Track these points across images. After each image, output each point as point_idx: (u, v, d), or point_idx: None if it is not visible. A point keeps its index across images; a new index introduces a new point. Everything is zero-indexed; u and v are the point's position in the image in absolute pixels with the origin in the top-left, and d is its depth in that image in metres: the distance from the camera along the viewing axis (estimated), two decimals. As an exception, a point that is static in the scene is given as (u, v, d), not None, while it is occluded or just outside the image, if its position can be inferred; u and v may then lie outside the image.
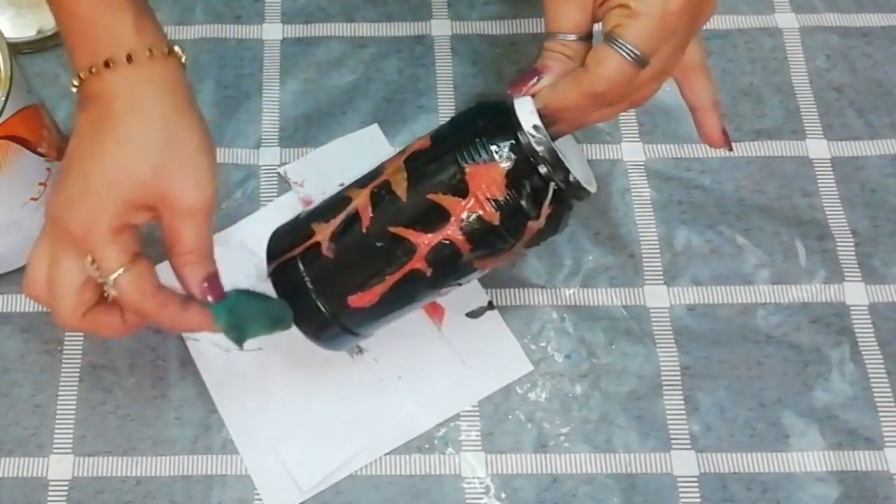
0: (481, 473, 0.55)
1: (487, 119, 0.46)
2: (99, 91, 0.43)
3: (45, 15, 0.64)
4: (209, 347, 0.56)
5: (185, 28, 0.66)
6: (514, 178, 0.44)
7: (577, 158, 0.48)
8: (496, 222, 0.45)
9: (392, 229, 0.46)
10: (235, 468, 0.54)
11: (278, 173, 0.62)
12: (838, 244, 0.60)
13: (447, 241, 0.46)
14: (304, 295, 0.48)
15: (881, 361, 0.57)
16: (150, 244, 0.59)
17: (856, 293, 0.59)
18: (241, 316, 0.46)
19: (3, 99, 0.47)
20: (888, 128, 0.64)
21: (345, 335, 0.50)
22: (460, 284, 0.50)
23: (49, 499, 0.53)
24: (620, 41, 0.42)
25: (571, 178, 0.45)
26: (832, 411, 0.56)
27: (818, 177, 0.63)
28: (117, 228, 0.42)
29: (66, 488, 0.53)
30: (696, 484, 0.54)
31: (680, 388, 0.57)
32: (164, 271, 0.59)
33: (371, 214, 0.47)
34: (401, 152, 0.49)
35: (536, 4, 0.67)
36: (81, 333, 0.57)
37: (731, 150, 0.50)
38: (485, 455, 0.55)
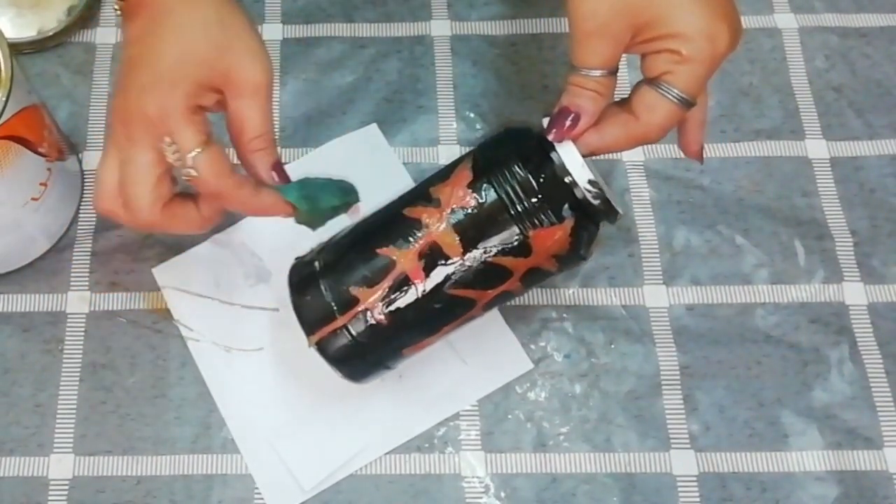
0: (481, 473, 0.55)
1: (540, 178, 0.45)
2: None
3: (46, 15, 0.64)
4: (209, 347, 0.56)
5: (185, 28, 0.66)
6: (575, 233, 0.46)
7: (600, 177, 0.48)
8: (554, 270, 0.48)
9: (451, 292, 0.47)
10: (236, 467, 0.54)
11: (278, 173, 0.62)
12: (837, 244, 0.61)
13: (506, 291, 0.48)
14: (361, 360, 0.49)
15: (880, 361, 0.57)
16: (150, 245, 0.59)
17: (855, 293, 0.59)
18: (311, 191, 0.46)
19: (4, 99, 0.47)
20: (887, 128, 0.64)
21: (382, 371, 0.51)
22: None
23: (50, 498, 0.53)
24: (672, 88, 0.42)
25: (619, 216, 0.46)
26: (831, 411, 0.56)
27: (817, 177, 0.63)
28: (191, 108, 0.43)
29: (66, 488, 0.53)
30: (695, 483, 0.54)
31: (679, 387, 0.57)
32: (172, 266, 0.59)
33: (424, 277, 0.46)
34: (426, 197, 0.47)
35: (536, 4, 0.68)
36: (82, 335, 0.57)
37: (701, 163, 0.50)
38: (484, 454, 0.55)
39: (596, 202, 0.45)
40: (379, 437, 0.55)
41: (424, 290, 0.47)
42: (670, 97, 0.42)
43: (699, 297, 0.59)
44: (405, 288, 0.47)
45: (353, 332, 0.47)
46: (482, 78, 0.65)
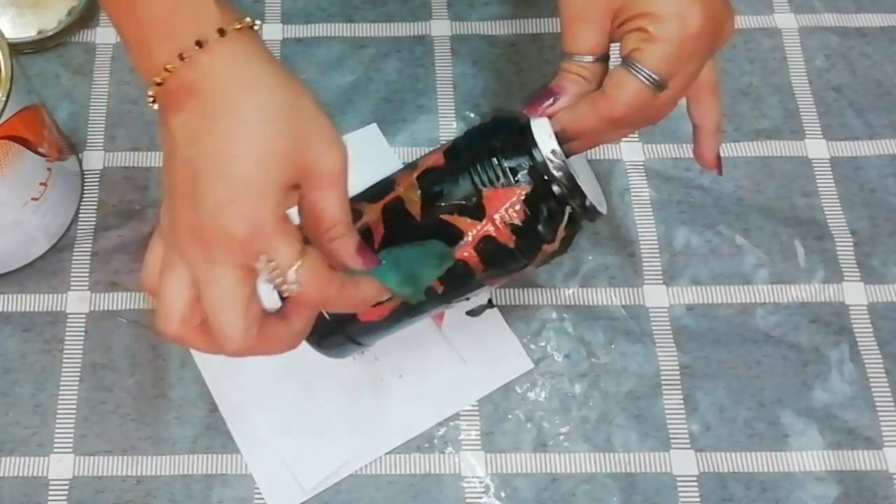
0: (481, 473, 0.55)
1: (504, 139, 0.45)
2: (196, 80, 0.37)
3: (46, 15, 0.64)
4: (209, 347, 0.56)
5: (185, 28, 0.66)
6: (531, 203, 0.44)
7: (588, 178, 0.48)
8: (511, 245, 0.45)
9: None
10: (236, 467, 0.54)
11: (278, 173, 0.62)
12: (837, 244, 0.61)
13: (461, 261, 0.45)
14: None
15: (880, 361, 0.57)
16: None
17: (855, 293, 0.59)
18: (408, 268, 0.43)
19: (4, 99, 0.47)
20: (887, 128, 0.64)
21: (348, 344, 0.50)
22: (468, 299, 0.50)
23: (49, 498, 0.53)
24: (639, 65, 0.41)
25: (588, 203, 0.45)
26: (831, 411, 0.56)
27: (817, 177, 0.63)
28: (282, 217, 0.37)
29: (66, 488, 0.53)
30: (695, 483, 0.54)
31: (679, 387, 0.57)
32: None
33: (383, 232, 0.46)
34: (411, 166, 0.48)
35: (536, 4, 0.68)
36: (82, 335, 0.57)
37: (720, 174, 0.50)
38: (484, 454, 0.55)
39: (557, 173, 0.43)
40: (379, 437, 0.55)
41: (379, 244, 0.46)
42: (636, 73, 0.42)
43: (699, 297, 0.59)
44: (365, 241, 0.45)
45: None
46: (482, 78, 0.65)
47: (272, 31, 0.66)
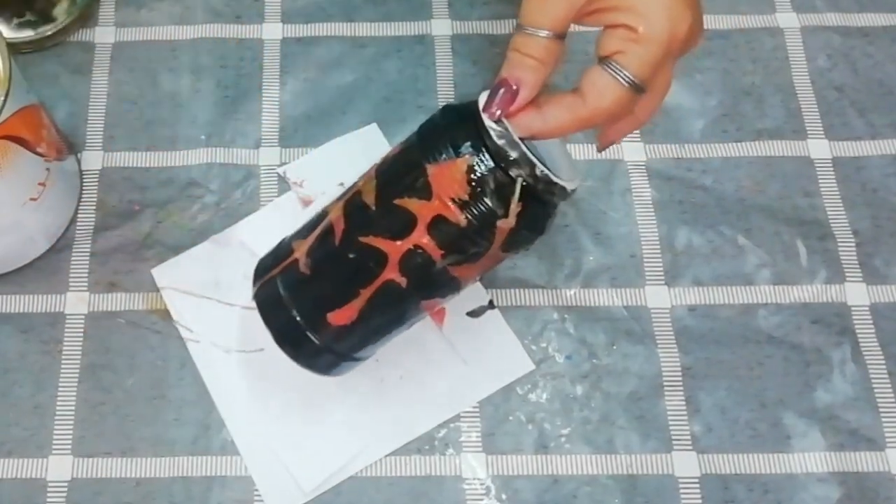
0: (482, 474, 0.54)
1: (450, 120, 0.44)
2: None
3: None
4: (209, 348, 0.56)
5: (185, 28, 0.66)
6: (476, 175, 0.42)
7: (558, 155, 0.46)
8: (463, 224, 0.43)
9: (362, 239, 0.45)
10: (235, 469, 0.54)
11: (278, 173, 0.61)
12: (839, 244, 0.60)
13: (418, 248, 0.44)
14: (283, 312, 0.48)
15: (882, 362, 0.57)
16: (150, 245, 0.59)
17: (857, 293, 0.59)
18: None
19: (3, 99, 0.47)
20: (889, 127, 0.64)
21: (334, 359, 0.49)
22: (444, 298, 0.48)
23: (48, 500, 0.53)
24: (621, 70, 0.39)
25: (539, 172, 0.42)
26: (833, 412, 0.56)
27: (819, 177, 0.62)
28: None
29: (65, 489, 0.53)
30: (697, 485, 0.54)
31: (681, 388, 0.56)
32: (171, 267, 0.59)
33: (343, 226, 0.46)
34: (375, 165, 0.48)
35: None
36: (81, 336, 0.57)
37: (599, 151, 0.48)
38: (485, 456, 0.55)
39: (499, 141, 0.41)
40: (379, 439, 0.55)
41: (340, 238, 0.45)
42: (621, 79, 0.39)
43: (701, 297, 0.59)
44: (328, 238, 0.46)
45: (280, 284, 0.48)
46: (482, 78, 0.65)
47: (272, 31, 0.66)
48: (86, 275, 0.58)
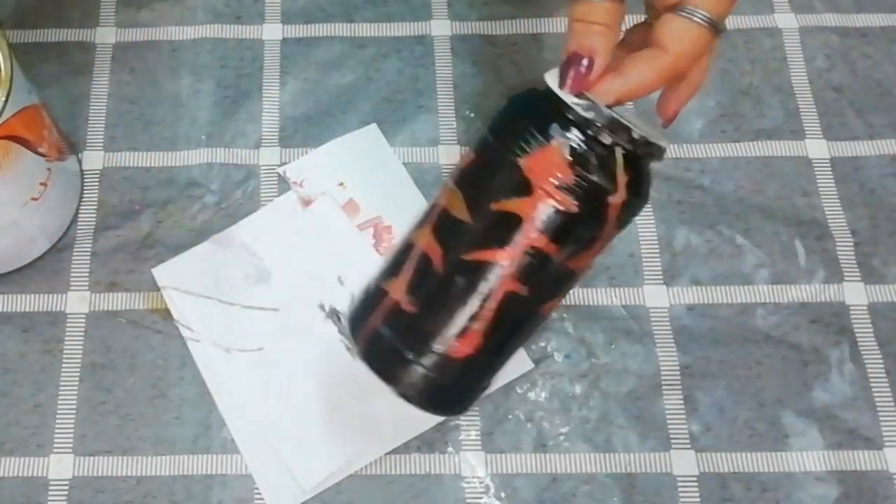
0: (481, 473, 0.55)
1: (525, 107, 0.41)
2: None
3: None
4: (209, 347, 0.56)
5: (185, 28, 0.66)
6: (575, 154, 0.39)
7: (633, 118, 0.44)
8: (574, 210, 0.40)
9: (465, 257, 0.41)
10: (236, 468, 0.54)
11: (278, 173, 0.62)
12: (838, 244, 0.60)
13: (531, 249, 0.41)
14: (401, 362, 0.42)
15: (880, 361, 0.57)
16: (150, 245, 0.59)
17: (855, 293, 0.59)
18: None
19: (4, 99, 0.47)
20: (887, 128, 0.64)
21: (469, 395, 0.45)
22: (563, 296, 0.45)
23: (49, 498, 0.53)
24: (696, 10, 0.39)
25: (636, 135, 0.40)
26: (831, 411, 0.56)
27: (817, 177, 0.63)
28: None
29: (66, 488, 0.53)
30: (695, 483, 0.54)
31: (679, 387, 0.57)
32: (172, 266, 0.59)
33: (440, 250, 0.42)
34: (448, 177, 0.44)
35: (536, 4, 0.68)
36: (82, 335, 0.57)
37: (665, 127, 0.47)
38: (484, 455, 0.55)
39: (589, 114, 0.39)
40: (379, 438, 0.55)
41: (441, 264, 0.41)
42: (698, 19, 0.39)
43: (700, 297, 0.59)
44: (426, 267, 0.42)
45: (387, 332, 0.43)
46: (482, 78, 0.65)
47: (272, 31, 0.66)
48: (87, 274, 0.58)
